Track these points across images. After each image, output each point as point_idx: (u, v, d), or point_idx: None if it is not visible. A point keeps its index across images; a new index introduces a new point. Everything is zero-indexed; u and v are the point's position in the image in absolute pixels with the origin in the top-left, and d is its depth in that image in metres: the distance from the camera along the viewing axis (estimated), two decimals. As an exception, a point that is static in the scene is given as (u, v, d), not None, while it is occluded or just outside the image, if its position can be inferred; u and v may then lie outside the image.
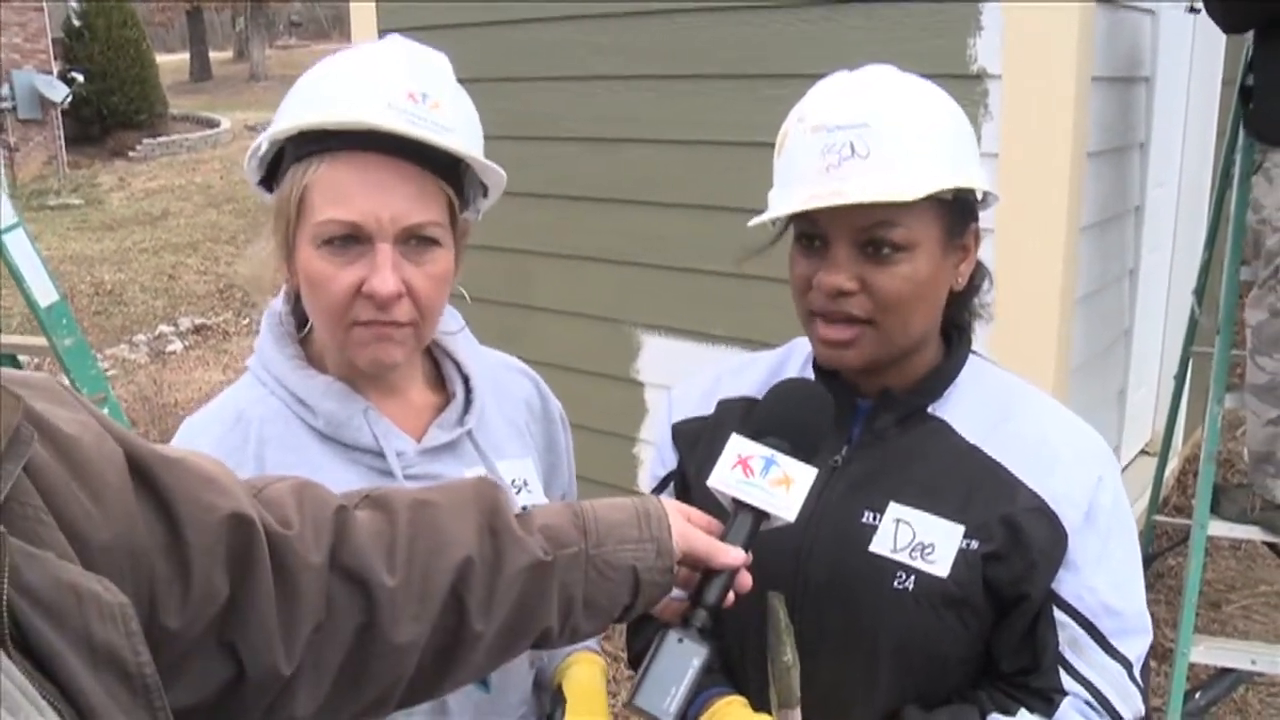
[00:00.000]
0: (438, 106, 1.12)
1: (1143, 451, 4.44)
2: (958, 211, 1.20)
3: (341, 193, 1.10)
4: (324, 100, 1.11)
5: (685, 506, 1.10)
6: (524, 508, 1.05)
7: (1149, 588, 3.93)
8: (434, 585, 0.93)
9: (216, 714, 0.84)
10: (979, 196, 1.23)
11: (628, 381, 3.67)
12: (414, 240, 1.14)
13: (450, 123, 1.13)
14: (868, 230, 1.16)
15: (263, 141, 1.14)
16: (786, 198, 1.19)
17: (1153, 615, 3.78)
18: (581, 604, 1.01)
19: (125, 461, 0.74)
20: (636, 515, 1.03)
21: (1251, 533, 3.12)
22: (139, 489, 0.75)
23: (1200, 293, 3.68)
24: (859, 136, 1.13)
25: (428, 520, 0.96)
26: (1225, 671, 3.13)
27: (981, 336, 3.05)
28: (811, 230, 1.20)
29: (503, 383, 1.38)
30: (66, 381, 3.59)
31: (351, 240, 1.11)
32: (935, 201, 1.15)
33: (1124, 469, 4.11)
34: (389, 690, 0.95)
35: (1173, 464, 4.41)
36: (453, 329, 1.32)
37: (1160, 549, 4.07)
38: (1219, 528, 3.12)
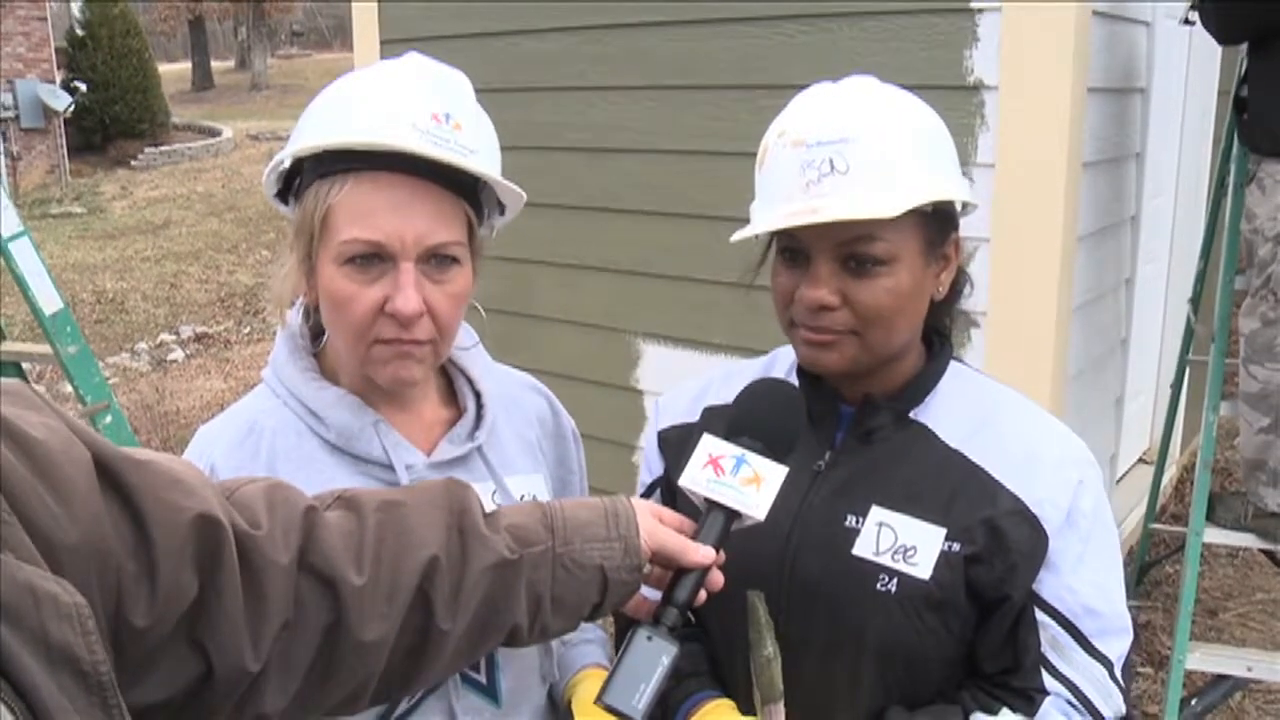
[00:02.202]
0: (460, 128, 1.14)
1: (1140, 460, 4.45)
2: (938, 222, 1.22)
3: (365, 212, 1.12)
4: (348, 120, 1.12)
5: (657, 506, 1.12)
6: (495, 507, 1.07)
7: (1146, 595, 3.95)
8: (401, 584, 0.96)
9: (186, 709, 0.86)
10: (959, 206, 1.25)
11: (627, 390, 3.68)
12: (435, 259, 1.16)
13: (473, 144, 1.15)
14: (849, 245, 1.17)
15: (285, 157, 1.15)
16: (767, 214, 1.21)
17: (1150, 622, 3.79)
18: (550, 602, 1.03)
19: (92, 464, 0.76)
20: (605, 514, 1.05)
21: (1248, 540, 3.14)
22: (106, 490, 0.77)
23: (1196, 302, 3.70)
24: (838, 152, 1.15)
25: (396, 520, 0.98)
26: (1221, 678, 3.14)
27: (979, 345, 3.07)
28: (793, 245, 1.22)
29: (515, 399, 1.39)
30: (70, 389, 3.62)
31: (374, 259, 1.13)
32: (915, 214, 1.17)
33: (1121, 477, 4.13)
34: (359, 688, 0.97)
35: (1170, 472, 4.43)
36: (466, 344, 1.34)
37: (1157, 557, 4.08)
38: (1214, 535, 3.13)
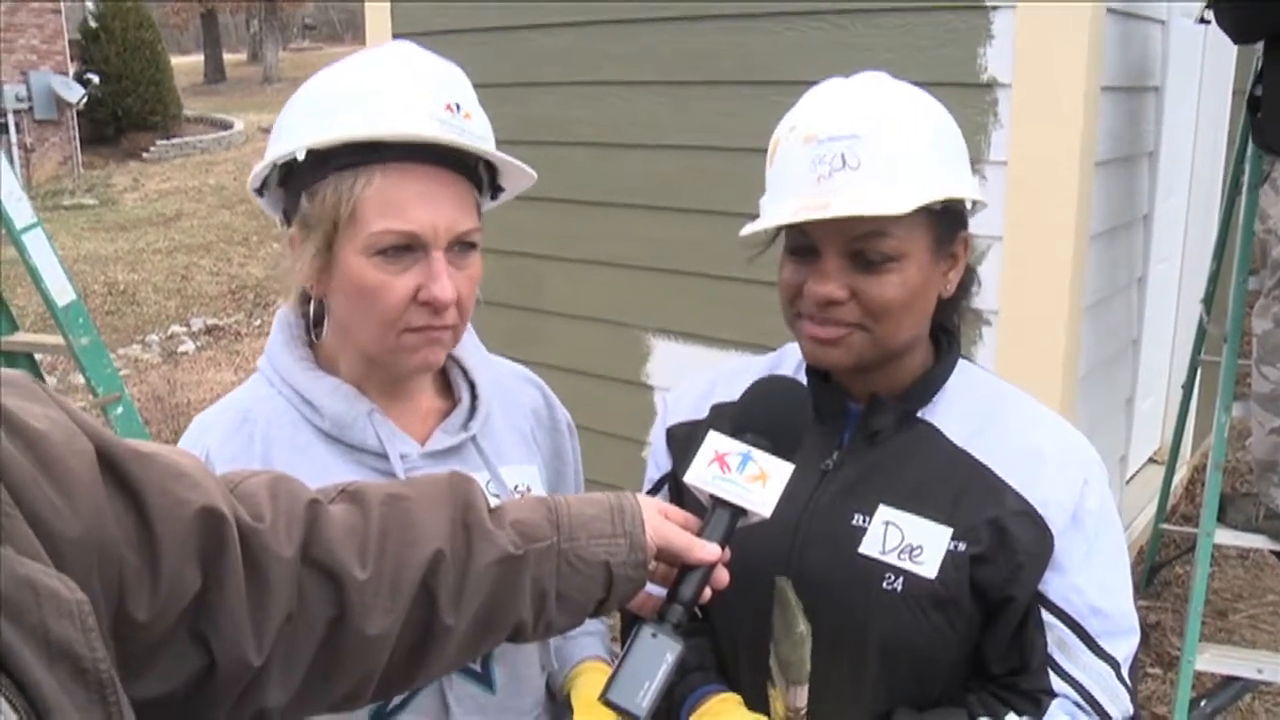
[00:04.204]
0: (470, 116, 1.16)
1: (1151, 460, 4.44)
2: (947, 220, 1.22)
3: (397, 204, 1.13)
4: (364, 110, 1.12)
5: (662, 503, 1.11)
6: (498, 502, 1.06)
7: (1156, 596, 3.94)
8: (405, 578, 0.95)
9: (189, 703, 0.85)
10: (968, 205, 1.25)
11: (637, 385, 3.68)
12: (458, 246, 1.17)
13: (481, 132, 1.17)
14: (858, 241, 1.17)
15: (298, 150, 1.13)
16: (777, 208, 1.20)
17: (1160, 623, 3.77)
18: (554, 598, 1.02)
19: (95, 456, 0.75)
20: (610, 510, 1.05)
21: (1258, 541, 3.13)
22: (109, 483, 0.76)
23: (1209, 302, 3.69)
24: (850, 148, 1.15)
25: (400, 514, 0.98)
26: (1231, 680, 3.13)
27: (990, 343, 3.06)
28: (802, 240, 1.21)
29: (510, 390, 1.40)
30: (82, 380, 3.63)
31: (406, 249, 1.14)
32: (925, 211, 1.17)
33: (1132, 477, 4.12)
34: (362, 682, 0.96)
35: (1181, 473, 4.41)
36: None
37: (1167, 557, 4.07)
38: (1225, 536, 3.12)
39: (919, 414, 1.29)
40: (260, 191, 1.24)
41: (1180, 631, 3.28)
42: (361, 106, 1.13)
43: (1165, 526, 3.99)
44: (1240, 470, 4.55)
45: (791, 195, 1.18)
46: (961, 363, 1.34)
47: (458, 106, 1.15)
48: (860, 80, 1.23)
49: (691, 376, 1.49)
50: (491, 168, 1.23)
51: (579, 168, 3.67)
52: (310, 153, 1.14)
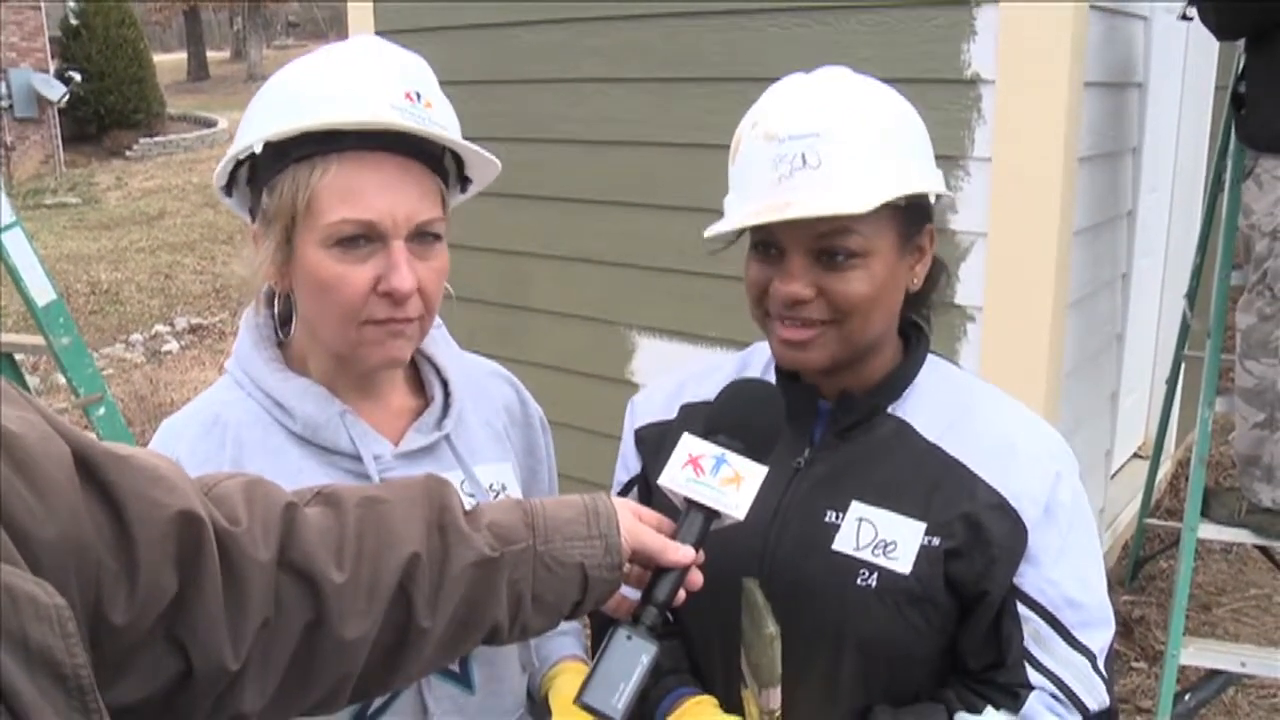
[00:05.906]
0: (431, 105, 1.14)
1: (1135, 455, 4.46)
2: (912, 215, 1.22)
3: (355, 193, 1.11)
4: (322, 101, 1.11)
5: (636, 505, 1.11)
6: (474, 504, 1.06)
7: (1141, 590, 3.96)
8: (382, 582, 0.95)
9: (165, 708, 0.85)
10: (932, 198, 1.24)
11: (622, 383, 3.68)
12: (420, 237, 1.16)
13: (444, 121, 1.16)
14: (823, 239, 1.17)
15: (256, 143, 1.12)
16: (740, 208, 1.20)
17: (1144, 617, 3.78)
18: (530, 600, 1.02)
19: (71, 458, 0.75)
20: (586, 513, 1.05)
21: (1241, 536, 3.14)
22: (86, 485, 0.76)
23: (1192, 297, 3.71)
24: (810, 147, 1.14)
25: (376, 517, 0.97)
26: (1215, 673, 3.15)
27: (975, 340, 3.07)
28: (767, 239, 1.21)
29: (482, 387, 1.39)
30: (63, 380, 3.61)
31: (363, 240, 1.12)
32: (889, 207, 1.16)
33: (1116, 472, 4.13)
34: (338, 686, 0.96)
35: (1165, 467, 4.43)
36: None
37: (1151, 552, 4.09)
38: (1209, 531, 3.14)
39: (890, 410, 1.29)
40: (230, 191, 1.22)
41: (1165, 625, 3.29)
42: (320, 98, 1.11)
43: (1149, 521, 4.01)
44: (1224, 465, 4.57)
45: (753, 196, 1.18)
46: (932, 358, 1.33)
47: (418, 95, 1.13)
48: (821, 76, 1.22)
49: (659, 378, 1.49)
50: (459, 160, 1.22)
51: (564, 165, 3.66)
52: (269, 146, 1.12)
